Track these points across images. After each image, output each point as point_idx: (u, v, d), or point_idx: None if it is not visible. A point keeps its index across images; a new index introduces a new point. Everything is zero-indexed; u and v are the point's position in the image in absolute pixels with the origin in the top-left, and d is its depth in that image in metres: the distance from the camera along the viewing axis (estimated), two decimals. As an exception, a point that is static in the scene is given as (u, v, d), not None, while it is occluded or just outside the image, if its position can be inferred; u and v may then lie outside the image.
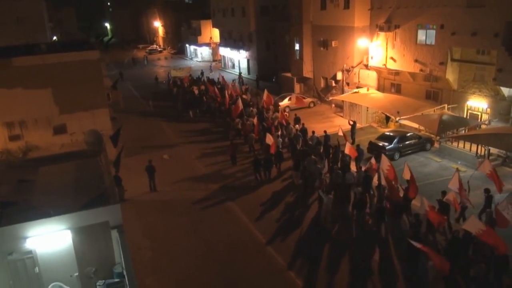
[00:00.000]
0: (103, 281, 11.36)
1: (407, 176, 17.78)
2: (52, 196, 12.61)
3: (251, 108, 31.99)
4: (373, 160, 19.57)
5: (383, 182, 17.90)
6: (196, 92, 39.32)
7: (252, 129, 27.17)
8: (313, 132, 25.42)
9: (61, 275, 11.42)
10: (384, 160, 18.46)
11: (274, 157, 22.87)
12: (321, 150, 22.81)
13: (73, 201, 12.18)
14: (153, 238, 17.55)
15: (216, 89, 37.83)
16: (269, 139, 23.18)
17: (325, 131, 24.86)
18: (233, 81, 43.65)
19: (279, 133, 26.29)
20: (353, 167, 20.52)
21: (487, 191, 16.50)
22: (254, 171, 22.30)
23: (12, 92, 22.03)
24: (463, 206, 16.60)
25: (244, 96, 35.47)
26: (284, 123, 27.86)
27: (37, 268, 11.21)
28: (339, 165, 20.90)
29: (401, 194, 17.50)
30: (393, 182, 17.51)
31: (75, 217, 11.05)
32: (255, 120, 27.49)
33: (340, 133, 23.55)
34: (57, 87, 22.96)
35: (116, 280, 11.45)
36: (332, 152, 22.36)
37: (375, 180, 18.96)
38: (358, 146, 22.73)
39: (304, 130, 26.11)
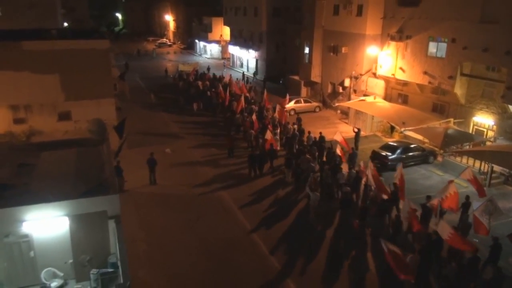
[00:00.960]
0: (97, 270, 11.34)
1: (397, 180, 18.49)
2: (52, 182, 12.61)
3: (253, 106, 32.72)
4: (362, 163, 20.36)
5: (370, 183, 18.83)
6: (201, 86, 39.87)
7: (251, 125, 27.91)
8: (309, 132, 26.10)
9: (55, 261, 11.42)
10: (370, 162, 19.45)
11: (268, 154, 23.63)
12: (316, 150, 23.53)
13: (72, 188, 12.18)
14: (149, 231, 17.53)
15: (220, 86, 38.28)
16: (268, 136, 24.31)
17: (320, 133, 25.59)
18: (237, 79, 43.94)
19: (278, 131, 27.07)
20: (346, 169, 21.13)
21: (467, 198, 17.17)
22: (249, 166, 22.91)
23: (20, 75, 22.04)
24: (441, 211, 17.19)
25: (247, 95, 36.15)
26: (283, 122, 28.63)
27: (32, 252, 11.21)
28: (330, 165, 21.57)
29: (386, 195, 18.23)
30: (379, 183, 18.46)
31: (74, 204, 11.04)
32: (254, 117, 28.28)
33: (338, 138, 24.02)
34: (64, 73, 22.95)
35: (110, 270, 11.43)
36: (326, 153, 23.07)
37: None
38: (352, 148, 23.51)
39: (301, 131, 26.81)
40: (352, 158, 22.39)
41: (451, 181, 17.28)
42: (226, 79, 41.67)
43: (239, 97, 33.46)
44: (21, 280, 11.30)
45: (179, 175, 23.08)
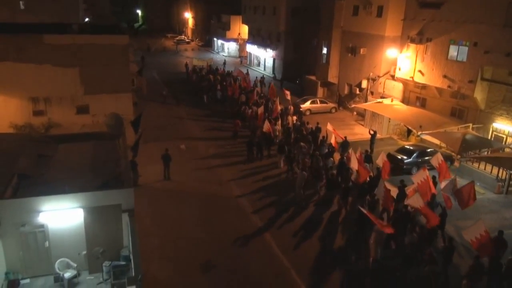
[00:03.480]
0: (110, 262, 11.49)
1: (380, 163, 20.36)
2: (68, 174, 12.81)
3: (261, 99, 34.12)
4: (351, 150, 21.93)
5: (352, 166, 20.77)
6: (213, 80, 41.66)
7: (256, 116, 29.44)
8: (307, 123, 28.26)
9: (69, 252, 11.60)
10: (358, 150, 21.43)
11: (265, 141, 25.85)
12: (311, 139, 25.70)
13: (88, 180, 12.35)
14: (162, 226, 17.66)
15: (232, 80, 40.07)
16: (266, 126, 26.14)
17: (317, 123, 27.55)
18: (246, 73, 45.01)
19: (279, 122, 28.84)
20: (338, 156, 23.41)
21: (433, 178, 18.85)
22: (247, 150, 24.99)
23: (41, 68, 22.45)
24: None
25: (257, 89, 38.04)
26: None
27: (47, 242, 11.42)
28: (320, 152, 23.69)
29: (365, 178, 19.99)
30: (362, 168, 20.29)
31: (89, 196, 11.20)
32: (260, 109, 29.46)
33: (330, 128, 25.37)
34: (84, 67, 23.29)
35: (122, 263, 11.57)
36: (319, 141, 25.24)
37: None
38: (345, 137, 24.75)
39: (302, 123, 28.78)
40: (344, 147, 23.92)
41: (424, 168, 18.54)
42: (235, 73, 43.37)
43: (247, 91, 36.26)
44: (35, 269, 11.53)
45: (194, 172, 23.20)
